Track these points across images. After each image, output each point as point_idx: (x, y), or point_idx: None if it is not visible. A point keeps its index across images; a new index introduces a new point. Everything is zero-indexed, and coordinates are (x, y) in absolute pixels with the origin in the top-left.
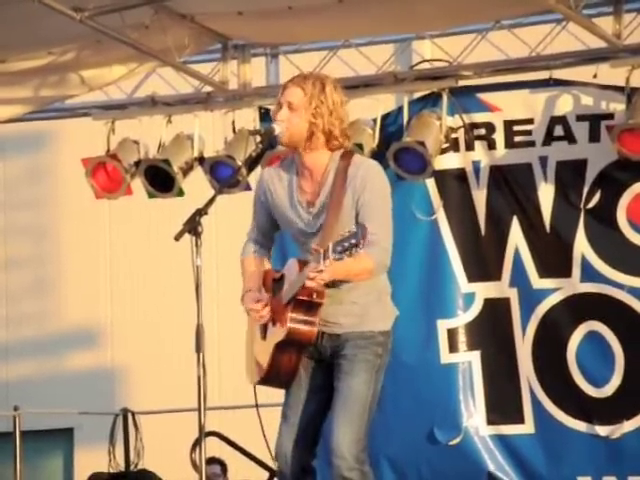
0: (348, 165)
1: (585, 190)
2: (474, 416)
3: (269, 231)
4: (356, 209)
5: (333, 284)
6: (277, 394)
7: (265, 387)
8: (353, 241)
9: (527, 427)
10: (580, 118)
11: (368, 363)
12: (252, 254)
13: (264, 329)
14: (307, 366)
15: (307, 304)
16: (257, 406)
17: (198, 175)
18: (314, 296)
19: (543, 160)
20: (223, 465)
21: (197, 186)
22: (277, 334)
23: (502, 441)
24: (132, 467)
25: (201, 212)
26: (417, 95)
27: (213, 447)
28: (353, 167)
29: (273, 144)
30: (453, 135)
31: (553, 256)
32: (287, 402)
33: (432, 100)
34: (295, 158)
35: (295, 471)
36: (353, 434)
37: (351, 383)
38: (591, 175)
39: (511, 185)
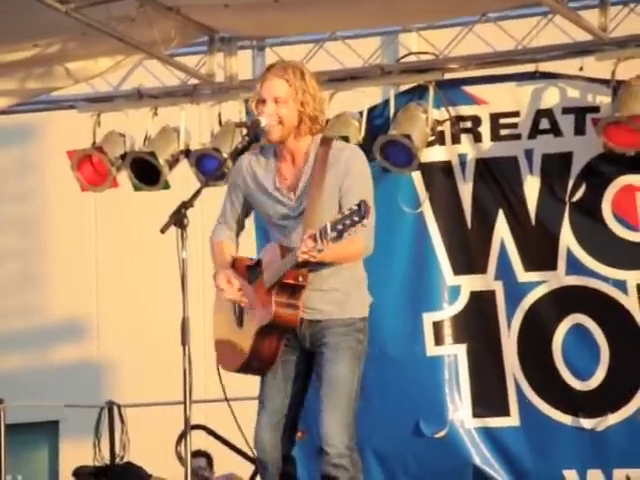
0: (329, 149)
1: (570, 183)
2: (460, 409)
3: (241, 217)
4: (339, 193)
5: (315, 268)
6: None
7: (246, 380)
8: (355, 218)
9: (512, 420)
10: (566, 111)
11: (351, 350)
12: (226, 239)
13: (240, 316)
14: (282, 354)
15: (292, 287)
16: (227, 400)
17: (184, 168)
18: (300, 279)
19: (529, 153)
20: (209, 458)
21: (183, 179)
22: (259, 318)
23: (487, 434)
24: (117, 460)
25: (187, 205)
26: (403, 88)
27: (199, 440)
28: (335, 151)
29: (259, 136)
30: (439, 128)
31: (538, 249)
32: (263, 391)
33: (418, 93)
34: (276, 144)
35: (275, 460)
36: (342, 422)
37: (336, 371)
38: (576, 168)
39: (497, 178)
